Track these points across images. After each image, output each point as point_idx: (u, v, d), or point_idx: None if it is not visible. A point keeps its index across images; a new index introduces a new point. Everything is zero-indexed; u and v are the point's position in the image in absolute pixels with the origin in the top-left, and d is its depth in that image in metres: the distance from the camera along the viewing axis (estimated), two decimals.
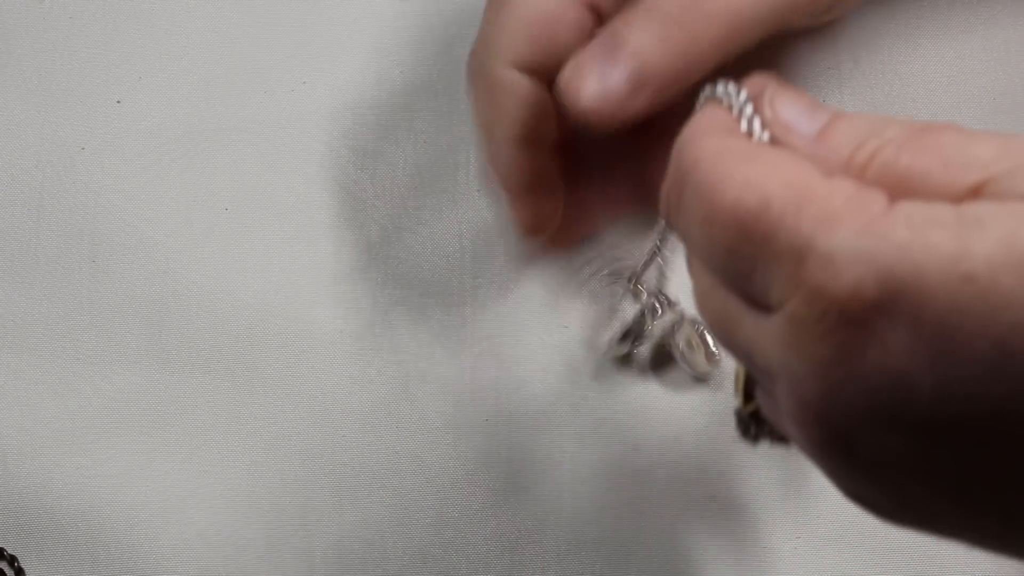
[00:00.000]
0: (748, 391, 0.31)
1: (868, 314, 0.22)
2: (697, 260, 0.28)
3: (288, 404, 0.43)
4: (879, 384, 0.23)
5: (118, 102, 0.46)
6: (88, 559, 0.42)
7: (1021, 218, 0.22)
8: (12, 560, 0.42)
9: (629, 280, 0.42)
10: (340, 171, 0.46)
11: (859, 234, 0.23)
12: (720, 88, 0.28)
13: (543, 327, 0.44)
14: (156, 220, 0.45)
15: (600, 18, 0.36)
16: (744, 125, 0.27)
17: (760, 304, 0.25)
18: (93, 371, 0.44)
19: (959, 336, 0.22)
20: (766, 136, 0.27)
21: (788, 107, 0.27)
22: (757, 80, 0.28)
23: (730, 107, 0.28)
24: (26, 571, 0.42)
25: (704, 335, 0.41)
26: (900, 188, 0.24)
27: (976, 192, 0.23)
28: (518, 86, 0.37)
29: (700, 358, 0.41)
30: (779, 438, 0.31)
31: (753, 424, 0.32)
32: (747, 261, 0.25)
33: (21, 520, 0.42)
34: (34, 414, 0.43)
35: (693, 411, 0.43)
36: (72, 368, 0.44)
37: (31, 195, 0.45)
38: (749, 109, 0.27)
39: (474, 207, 0.45)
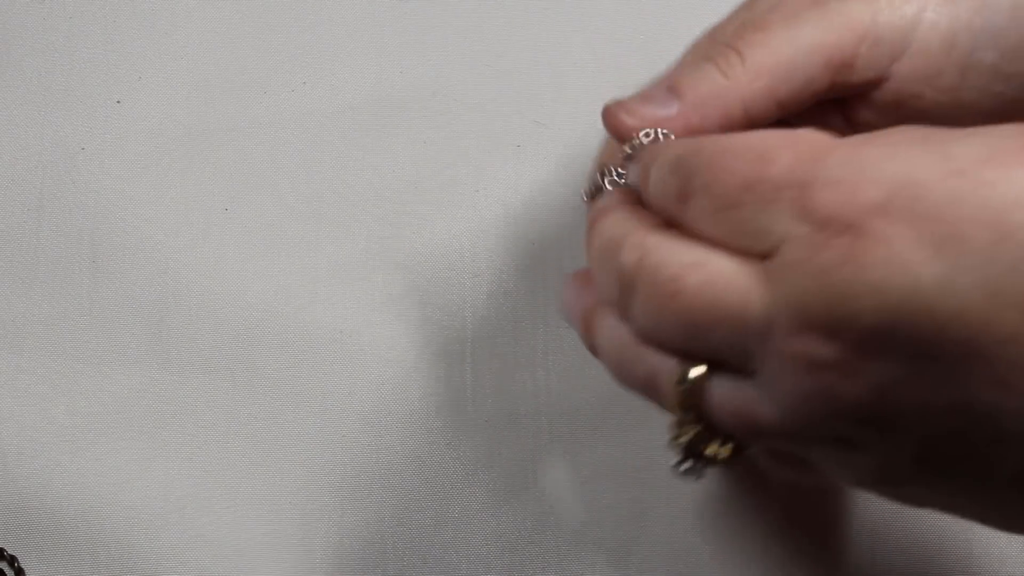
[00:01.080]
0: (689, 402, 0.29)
1: (869, 216, 0.24)
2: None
3: (288, 404, 0.44)
4: (885, 283, 0.23)
5: (118, 102, 0.46)
6: (88, 559, 0.42)
7: (991, 132, 0.24)
8: (12, 560, 0.42)
9: None
10: (340, 171, 0.46)
11: (849, 156, 0.25)
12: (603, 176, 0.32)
13: (543, 327, 0.44)
14: (156, 220, 0.45)
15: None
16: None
17: (756, 252, 0.26)
18: (93, 371, 0.44)
19: (957, 224, 0.23)
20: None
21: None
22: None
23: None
24: (26, 571, 0.42)
25: None
26: None
27: None
28: None
29: None
30: (735, 450, 0.29)
31: (696, 449, 0.30)
32: (750, 211, 0.26)
33: (21, 520, 0.42)
34: (34, 414, 0.43)
35: None
36: (72, 368, 0.44)
37: (31, 195, 0.45)
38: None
39: (474, 207, 0.45)
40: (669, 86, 0.32)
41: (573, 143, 0.46)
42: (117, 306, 0.44)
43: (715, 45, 0.33)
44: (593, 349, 0.31)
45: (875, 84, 0.32)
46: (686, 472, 0.29)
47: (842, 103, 0.34)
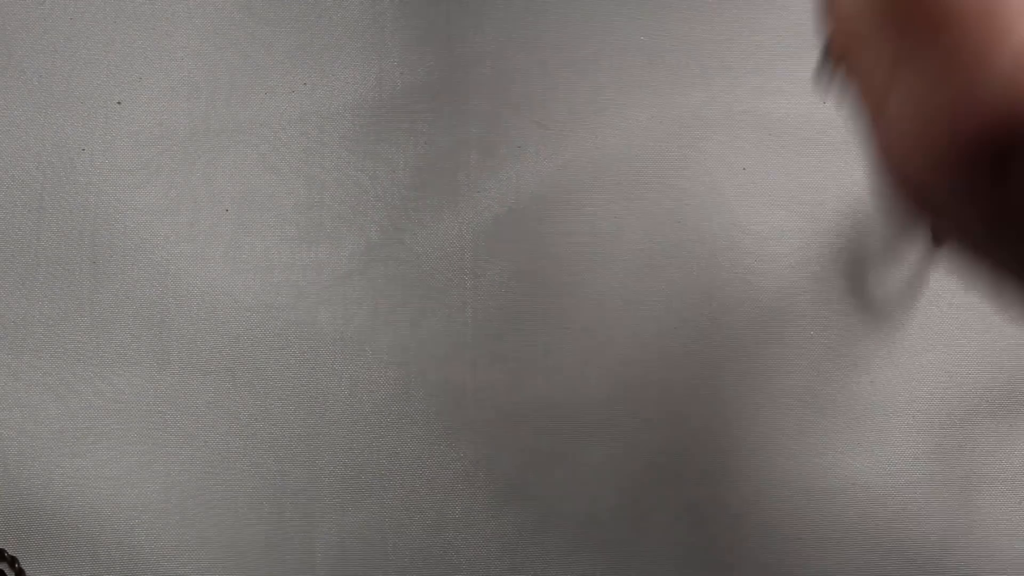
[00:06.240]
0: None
1: None
2: None
3: (288, 404, 0.44)
4: None
5: (118, 103, 0.46)
6: (88, 560, 0.42)
7: None
8: (13, 561, 0.42)
9: None
10: (340, 172, 0.46)
11: None
12: None
13: (544, 328, 0.44)
14: (156, 220, 0.45)
15: None
16: None
17: None
18: (93, 372, 0.44)
19: None
20: None
21: None
22: None
23: None
24: (27, 572, 0.42)
25: None
26: None
27: None
28: None
29: None
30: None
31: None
32: None
33: (22, 521, 0.42)
34: (34, 415, 0.43)
35: (692, 412, 0.43)
36: (72, 369, 0.44)
37: (32, 196, 0.45)
38: None
39: (474, 207, 0.45)
40: None
41: (573, 143, 0.46)
42: (117, 306, 0.44)
43: None
44: None
45: None
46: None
47: None
